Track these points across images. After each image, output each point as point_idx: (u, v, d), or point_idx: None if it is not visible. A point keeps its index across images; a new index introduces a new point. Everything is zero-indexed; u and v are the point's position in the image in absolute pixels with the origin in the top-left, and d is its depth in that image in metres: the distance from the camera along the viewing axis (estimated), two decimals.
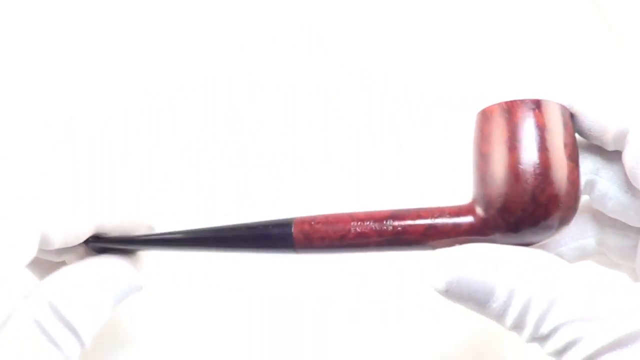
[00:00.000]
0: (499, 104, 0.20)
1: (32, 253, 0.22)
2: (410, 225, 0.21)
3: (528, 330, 0.20)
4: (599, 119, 0.21)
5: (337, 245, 0.22)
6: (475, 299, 0.20)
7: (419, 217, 0.21)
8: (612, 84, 0.39)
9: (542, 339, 0.20)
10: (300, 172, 0.35)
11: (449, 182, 0.33)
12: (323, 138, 0.36)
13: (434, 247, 0.21)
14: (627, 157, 0.20)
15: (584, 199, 0.23)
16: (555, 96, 0.21)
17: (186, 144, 0.35)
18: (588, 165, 0.22)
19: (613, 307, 0.19)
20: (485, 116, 0.21)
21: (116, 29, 0.39)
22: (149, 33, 0.39)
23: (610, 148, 0.21)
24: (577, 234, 0.25)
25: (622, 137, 0.21)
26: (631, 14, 0.42)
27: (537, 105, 0.20)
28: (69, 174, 0.34)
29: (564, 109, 0.21)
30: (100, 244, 0.25)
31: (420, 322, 0.31)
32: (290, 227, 0.22)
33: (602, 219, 0.24)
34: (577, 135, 0.22)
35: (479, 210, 0.21)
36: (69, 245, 0.24)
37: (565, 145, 0.20)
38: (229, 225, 0.24)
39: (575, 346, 0.19)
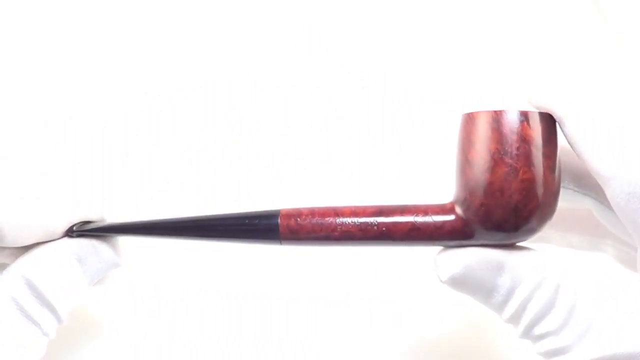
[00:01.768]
0: (488, 112, 0.20)
1: None
2: (394, 224, 0.22)
3: (521, 328, 0.21)
4: (588, 164, 0.21)
5: (322, 239, 0.22)
6: (477, 292, 0.21)
7: (403, 215, 0.22)
8: (611, 85, 0.39)
9: (533, 339, 0.21)
10: (300, 172, 0.35)
11: (449, 182, 0.33)
12: (323, 138, 0.36)
13: (416, 244, 0.22)
14: (615, 206, 0.20)
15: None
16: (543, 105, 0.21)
17: (186, 144, 0.35)
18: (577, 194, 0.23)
19: (606, 325, 0.20)
20: (472, 121, 0.21)
21: (116, 29, 0.39)
22: (148, 33, 0.39)
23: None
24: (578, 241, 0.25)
25: (604, 182, 0.20)
26: (631, 13, 0.42)
27: (525, 117, 0.20)
28: (67, 174, 0.34)
29: (549, 119, 0.21)
30: (84, 232, 0.25)
31: (409, 314, 0.31)
32: (277, 219, 0.23)
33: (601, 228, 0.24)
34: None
35: (460, 211, 0.21)
36: (24, 244, 0.23)
37: (549, 158, 0.20)
38: (215, 215, 0.24)
39: (561, 355, 0.20)
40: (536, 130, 0.20)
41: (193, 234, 0.24)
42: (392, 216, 0.22)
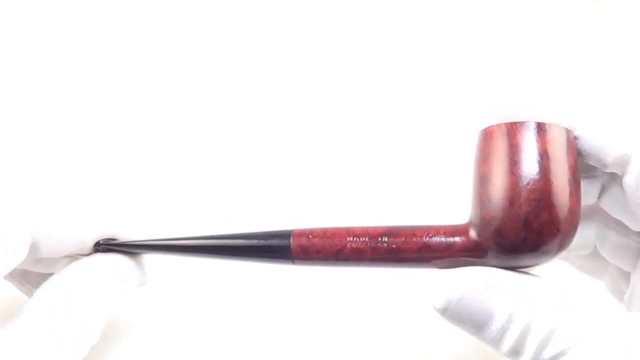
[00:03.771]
0: (499, 125, 0.20)
1: (20, 259, 0.23)
2: (404, 243, 0.21)
3: (528, 354, 0.19)
4: (601, 142, 0.20)
5: (333, 259, 0.22)
6: (473, 320, 0.20)
7: (414, 235, 0.21)
8: (611, 86, 0.39)
9: None
10: (300, 172, 0.35)
11: (450, 183, 0.33)
12: (323, 138, 0.36)
13: (427, 266, 0.21)
14: (628, 184, 0.20)
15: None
16: (556, 117, 0.21)
17: (186, 144, 0.35)
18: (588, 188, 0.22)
19: (617, 336, 0.19)
20: (486, 136, 0.21)
21: (116, 29, 0.39)
22: (149, 33, 0.39)
23: (608, 170, 0.21)
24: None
25: (623, 162, 0.20)
26: (631, 13, 0.42)
27: (537, 128, 0.20)
28: (67, 179, 0.34)
29: (566, 132, 0.20)
30: (109, 247, 0.26)
31: (413, 330, 0.31)
32: (289, 239, 0.23)
33: (606, 215, 0.24)
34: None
35: (473, 232, 0.20)
36: (58, 255, 0.24)
37: (565, 171, 0.20)
38: (229, 234, 0.24)
39: None
40: (549, 142, 0.20)
41: (208, 253, 0.25)
42: (404, 235, 0.21)
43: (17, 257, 0.22)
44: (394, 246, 0.21)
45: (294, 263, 0.23)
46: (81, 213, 0.26)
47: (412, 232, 0.21)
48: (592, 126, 0.21)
